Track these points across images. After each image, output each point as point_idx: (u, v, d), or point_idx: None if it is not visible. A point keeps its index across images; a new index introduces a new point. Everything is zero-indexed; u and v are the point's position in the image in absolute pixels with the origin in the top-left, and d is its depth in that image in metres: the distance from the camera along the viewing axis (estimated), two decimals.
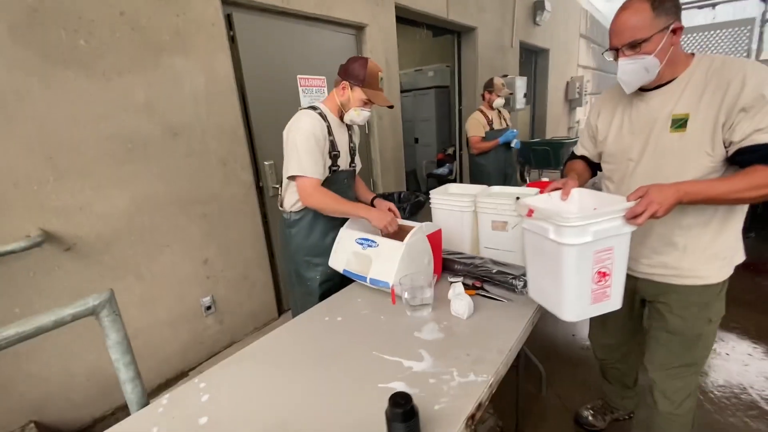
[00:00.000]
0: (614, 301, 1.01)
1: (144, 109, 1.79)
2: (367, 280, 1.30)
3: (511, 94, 3.52)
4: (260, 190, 2.39)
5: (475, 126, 3.07)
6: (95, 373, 1.76)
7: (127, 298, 1.83)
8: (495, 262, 1.42)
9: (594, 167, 1.38)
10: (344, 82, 1.47)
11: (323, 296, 1.55)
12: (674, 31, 0.98)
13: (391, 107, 1.53)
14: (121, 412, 1.85)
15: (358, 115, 1.49)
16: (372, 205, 1.64)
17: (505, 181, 3.19)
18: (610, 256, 0.94)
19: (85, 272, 1.68)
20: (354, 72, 1.44)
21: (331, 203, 1.42)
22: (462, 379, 0.93)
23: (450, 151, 5.42)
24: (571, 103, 8.70)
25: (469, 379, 0.93)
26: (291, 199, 1.52)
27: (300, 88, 2.55)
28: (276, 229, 2.53)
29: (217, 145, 2.09)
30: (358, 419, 0.84)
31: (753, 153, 0.92)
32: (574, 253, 0.91)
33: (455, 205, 1.64)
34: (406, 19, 3.64)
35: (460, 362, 0.99)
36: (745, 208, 1.10)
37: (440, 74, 5.34)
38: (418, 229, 1.31)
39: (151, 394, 1.96)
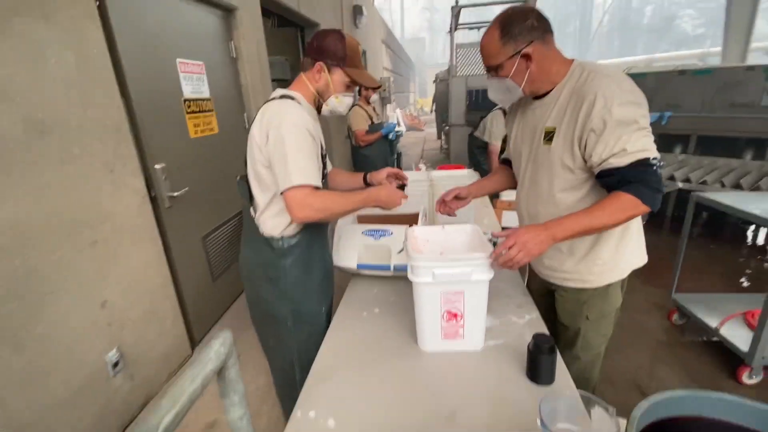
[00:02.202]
0: (469, 342, 1.03)
1: None
2: (391, 268, 1.35)
3: (384, 89, 3.83)
4: (153, 201, 1.90)
5: (359, 120, 3.24)
6: None
7: (2, 380, 1.21)
8: None
9: None
10: (318, 63, 1.15)
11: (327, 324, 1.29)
12: (526, 56, 0.97)
13: (378, 88, 1.35)
14: None
15: (340, 102, 1.21)
16: (365, 181, 1.43)
17: None
18: (459, 299, 0.98)
19: None
20: (331, 49, 1.13)
21: (338, 203, 1.13)
22: (521, 320, 1.17)
23: None
24: (383, 100, 9.92)
25: (526, 318, 1.17)
26: (281, 221, 1.15)
27: (180, 74, 2.11)
28: (179, 249, 2.07)
29: (100, 146, 1.55)
30: (488, 383, 0.96)
31: (611, 176, 0.93)
32: (420, 290, 0.98)
33: (416, 184, 1.82)
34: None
35: (509, 310, 1.22)
36: (631, 222, 1.07)
37: (279, 67, 5.17)
38: (423, 212, 1.44)
39: None
